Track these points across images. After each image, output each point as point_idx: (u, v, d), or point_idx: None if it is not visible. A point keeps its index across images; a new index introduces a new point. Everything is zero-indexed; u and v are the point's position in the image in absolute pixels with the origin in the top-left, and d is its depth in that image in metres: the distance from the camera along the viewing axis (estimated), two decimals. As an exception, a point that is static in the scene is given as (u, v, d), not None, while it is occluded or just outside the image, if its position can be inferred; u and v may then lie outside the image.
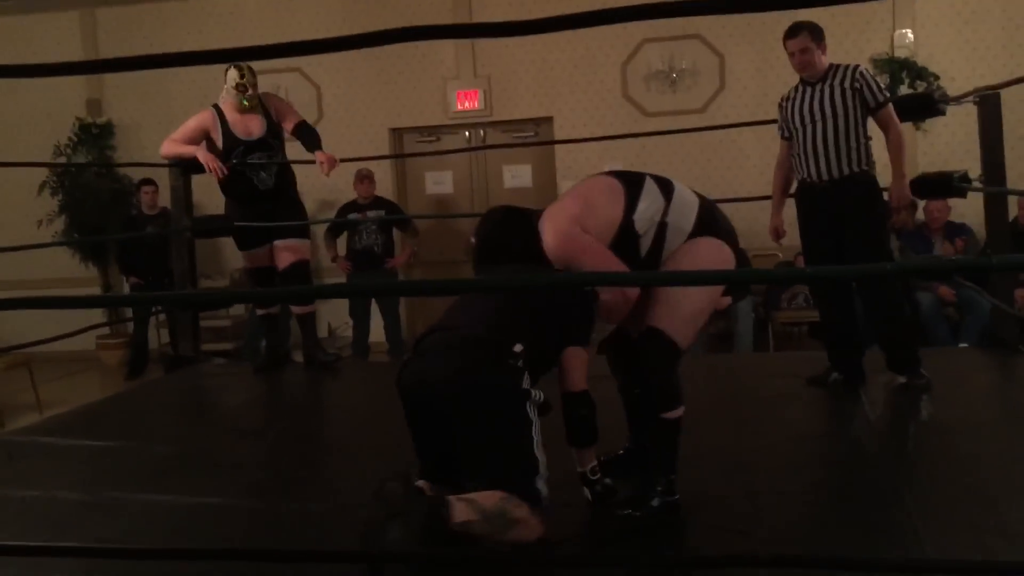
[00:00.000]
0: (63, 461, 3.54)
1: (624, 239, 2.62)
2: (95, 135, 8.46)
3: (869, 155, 3.85)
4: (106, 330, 8.00)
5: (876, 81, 3.83)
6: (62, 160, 8.21)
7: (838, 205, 3.83)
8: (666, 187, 2.69)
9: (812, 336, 6.87)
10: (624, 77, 7.82)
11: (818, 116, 3.83)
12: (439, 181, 8.13)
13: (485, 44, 7.95)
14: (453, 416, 2.34)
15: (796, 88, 3.99)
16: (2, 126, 8.60)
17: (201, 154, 4.62)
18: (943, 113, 4.07)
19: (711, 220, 2.71)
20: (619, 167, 7.87)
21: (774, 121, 4.20)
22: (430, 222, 7.96)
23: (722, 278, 2.40)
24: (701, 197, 2.77)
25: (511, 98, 7.94)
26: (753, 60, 7.58)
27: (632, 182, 2.67)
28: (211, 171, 4.62)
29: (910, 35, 7.31)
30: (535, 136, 7.95)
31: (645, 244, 2.64)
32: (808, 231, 3.99)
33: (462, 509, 2.25)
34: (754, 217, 7.14)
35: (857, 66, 3.85)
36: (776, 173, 4.17)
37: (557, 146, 7.77)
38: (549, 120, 7.91)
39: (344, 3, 8.09)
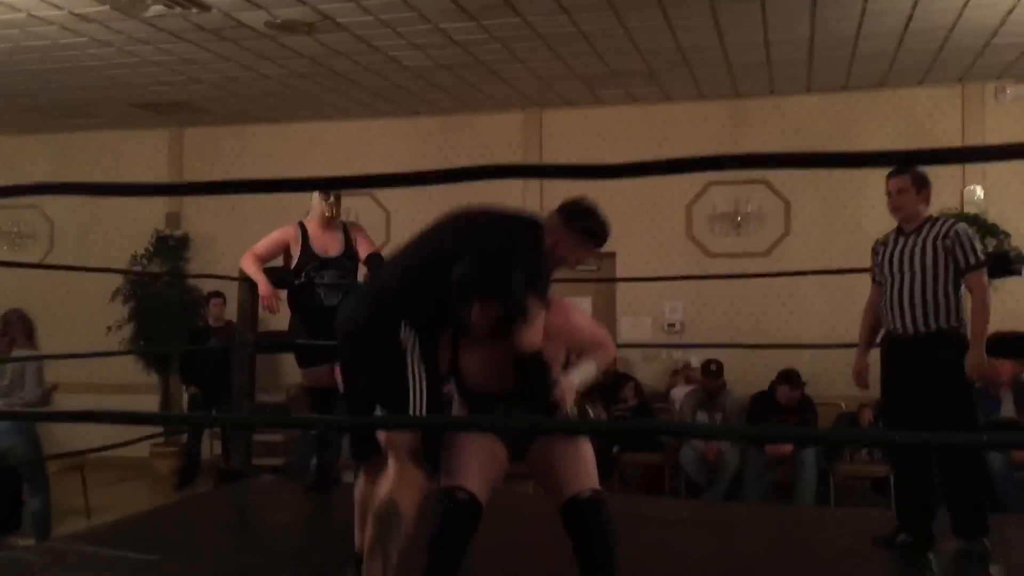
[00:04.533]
0: (103, 573, 3.50)
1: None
2: (171, 247, 8.78)
3: (960, 312, 3.72)
4: (160, 437, 8.06)
5: (972, 241, 3.70)
6: (138, 269, 8.50)
7: (924, 360, 3.70)
8: None
9: (876, 491, 6.61)
10: (689, 217, 7.89)
11: (907, 267, 3.75)
12: (500, 310, 8.16)
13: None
14: None
15: (892, 235, 3.92)
16: (85, 234, 9.00)
17: (262, 287, 4.71)
18: (1020, 274, 3.99)
19: None
20: (679, 306, 7.86)
21: (838, 271, 4.15)
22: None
23: (820, 438, 2.33)
24: None
25: (576, 232, 8.02)
26: (819, 207, 7.59)
27: None
28: (265, 307, 4.72)
29: (980, 192, 7.28)
30: (597, 271, 8.00)
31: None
32: (890, 383, 3.86)
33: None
34: (816, 363, 7.01)
35: (955, 223, 3.76)
36: (864, 316, 4.08)
37: (619, 282, 7.80)
38: (612, 256, 7.97)
39: (418, 136, 8.36)
